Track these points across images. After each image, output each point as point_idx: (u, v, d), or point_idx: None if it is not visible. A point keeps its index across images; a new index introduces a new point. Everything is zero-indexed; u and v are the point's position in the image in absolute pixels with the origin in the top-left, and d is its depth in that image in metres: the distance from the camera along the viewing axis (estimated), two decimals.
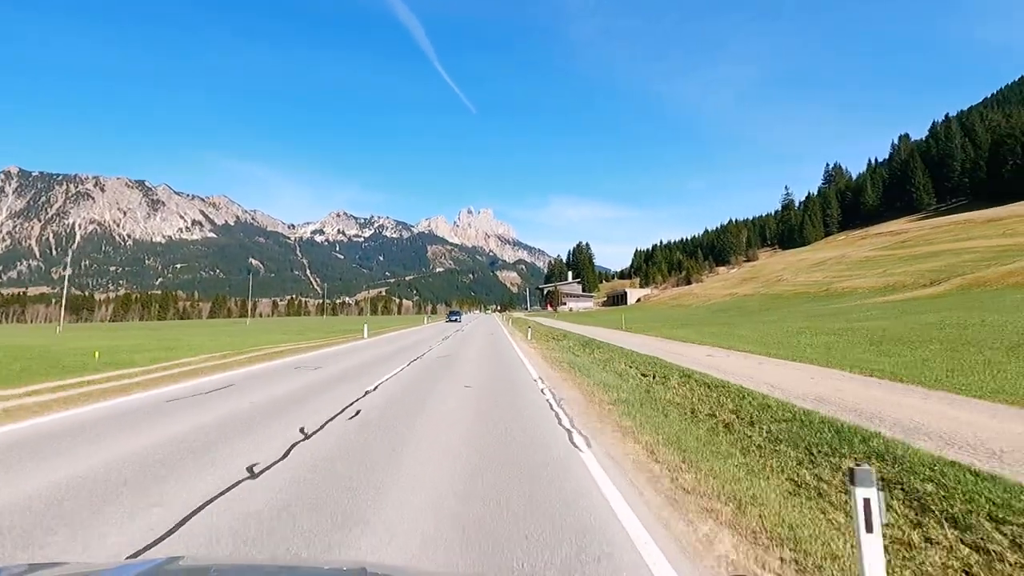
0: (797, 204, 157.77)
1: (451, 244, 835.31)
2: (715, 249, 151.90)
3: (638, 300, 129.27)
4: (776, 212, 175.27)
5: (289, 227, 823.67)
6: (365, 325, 26.79)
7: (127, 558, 3.10)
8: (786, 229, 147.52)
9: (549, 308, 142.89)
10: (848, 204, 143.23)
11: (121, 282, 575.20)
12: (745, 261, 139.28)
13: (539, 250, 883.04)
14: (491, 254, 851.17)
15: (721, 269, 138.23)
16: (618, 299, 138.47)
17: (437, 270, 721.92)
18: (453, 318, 60.99)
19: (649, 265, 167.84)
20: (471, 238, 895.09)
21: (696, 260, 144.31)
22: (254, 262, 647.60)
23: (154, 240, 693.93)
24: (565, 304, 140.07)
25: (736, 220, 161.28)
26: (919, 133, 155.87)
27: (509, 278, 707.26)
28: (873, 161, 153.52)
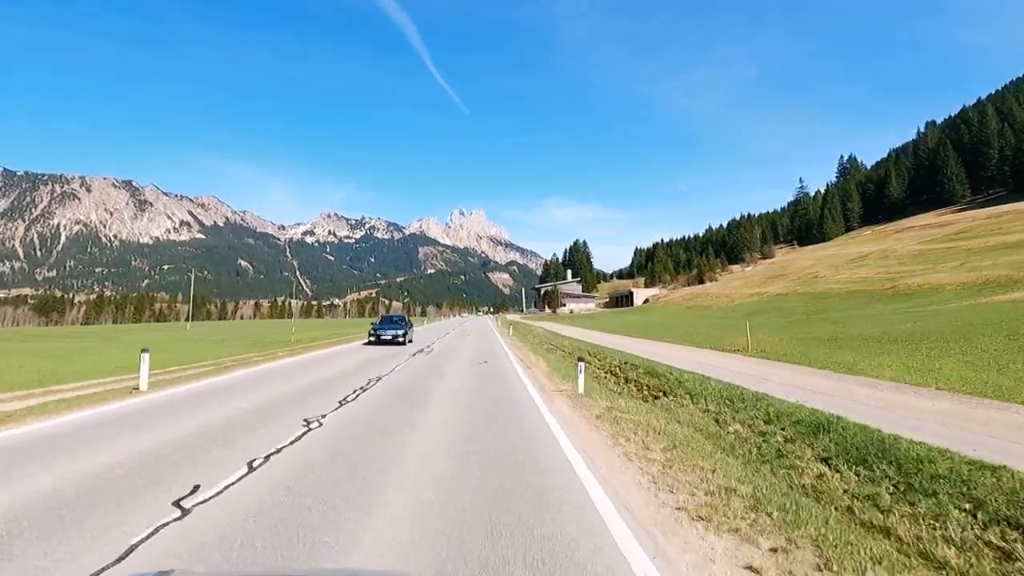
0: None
1: (443, 245, 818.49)
2: (726, 246, 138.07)
3: (646, 301, 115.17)
4: (786, 207, 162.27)
5: (279, 228, 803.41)
6: (143, 358, 10.43)
7: None
8: (803, 224, 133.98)
9: (547, 309, 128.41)
10: (869, 197, 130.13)
11: (107, 283, 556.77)
12: (761, 258, 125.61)
13: (531, 252, 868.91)
14: (483, 255, 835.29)
15: (735, 267, 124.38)
16: (622, 300, 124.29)
17: (429, 271, 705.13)
18: (389, 333, 25.22)
19: (652, 264, 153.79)
20: (463, 239, 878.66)
21: (706, 258, 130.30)
22: (243, 263, 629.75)
23: (141, 241, 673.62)
24: (564, 305, 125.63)
25: (749, 215, 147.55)
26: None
27: (501, 279, 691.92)
28: (895, 150, 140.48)
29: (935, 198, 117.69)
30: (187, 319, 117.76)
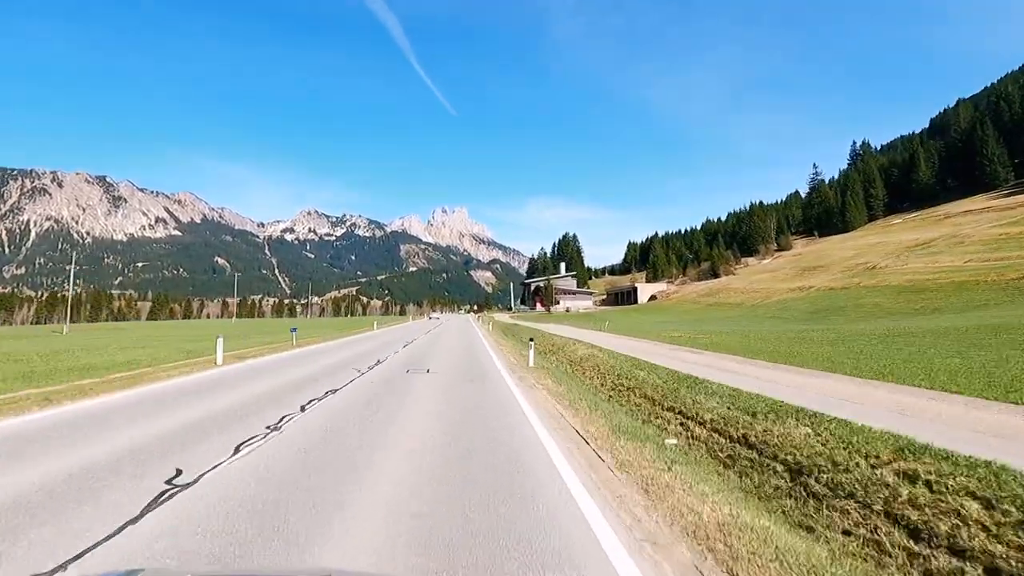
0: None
1: (425, 243, 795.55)
2: (737, 237, 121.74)
3: (652, 297, 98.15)
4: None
5: (258, 225, 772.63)
6: None
7: None
8: (820, 213, 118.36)
9: (540, 307, 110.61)
10: (893, 183, 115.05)
11: (78, 281, 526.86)
12: (777, 250, 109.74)
13: (514, 250, 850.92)
14: (465, 254, 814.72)
15: (750, 260, 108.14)
16: (624, 296, 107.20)
17: (410, 269, 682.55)
18: None
19: (652, 257, 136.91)
20: (445, 237, 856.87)
21: (717, 249, 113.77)
22: (220, 261, 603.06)
23: (115, 238, 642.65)
24: (559, 303, 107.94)
25: (760, 203, 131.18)
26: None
27: (484, 277, 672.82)
28: (920, 132, 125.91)
29: (968, 183, 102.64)
30: (190, 317, 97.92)
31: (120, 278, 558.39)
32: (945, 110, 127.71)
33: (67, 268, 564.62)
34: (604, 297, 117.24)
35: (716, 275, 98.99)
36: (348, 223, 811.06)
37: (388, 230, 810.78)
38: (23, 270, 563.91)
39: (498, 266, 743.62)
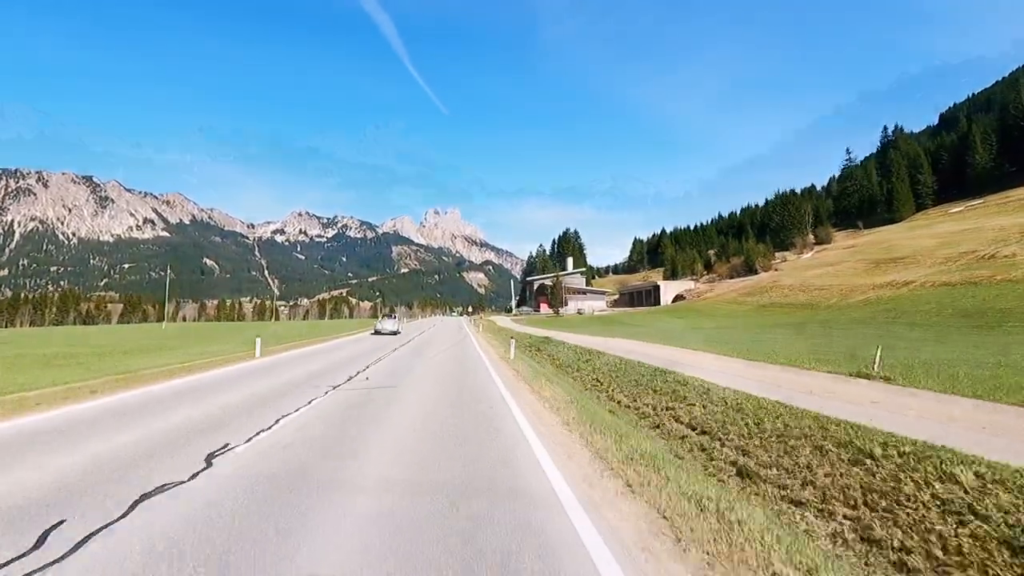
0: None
1: (417, 245, 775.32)
2: (768, 229, 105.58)
3: (679, 297, 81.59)
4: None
5: (248, 226, 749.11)
6: None
7: None
8: (858, 201, 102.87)
9: (544, 309, 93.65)
10: (943, 168, 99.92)
11: (62, 283, 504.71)
12: (816, 243, 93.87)
13: (507, 251, 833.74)
14: (458, 255, 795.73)
15: (788, 254, 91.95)
16: (643, 296, 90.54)
17: (402, 271, 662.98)
18: None
19: (667, 253, 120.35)
20: (437, 239, 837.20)
21: (749, 243, 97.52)
22: (209, 262, 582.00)
23: (101, 239, 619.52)
24: (568, 304, 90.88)
25: (792, 190, 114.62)
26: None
27: (476, 279, 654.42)
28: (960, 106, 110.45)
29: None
30: (163, 320, 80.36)
31: (106, 279, 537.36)
32: (999, 82, 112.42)
33: (53, 270, 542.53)
34: (617, 297, 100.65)
35: (753, 271, 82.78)
36: (340, 224, 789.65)
37: (380, 232, 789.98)
38: (6, 272, 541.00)
39: (491, 268, 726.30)
